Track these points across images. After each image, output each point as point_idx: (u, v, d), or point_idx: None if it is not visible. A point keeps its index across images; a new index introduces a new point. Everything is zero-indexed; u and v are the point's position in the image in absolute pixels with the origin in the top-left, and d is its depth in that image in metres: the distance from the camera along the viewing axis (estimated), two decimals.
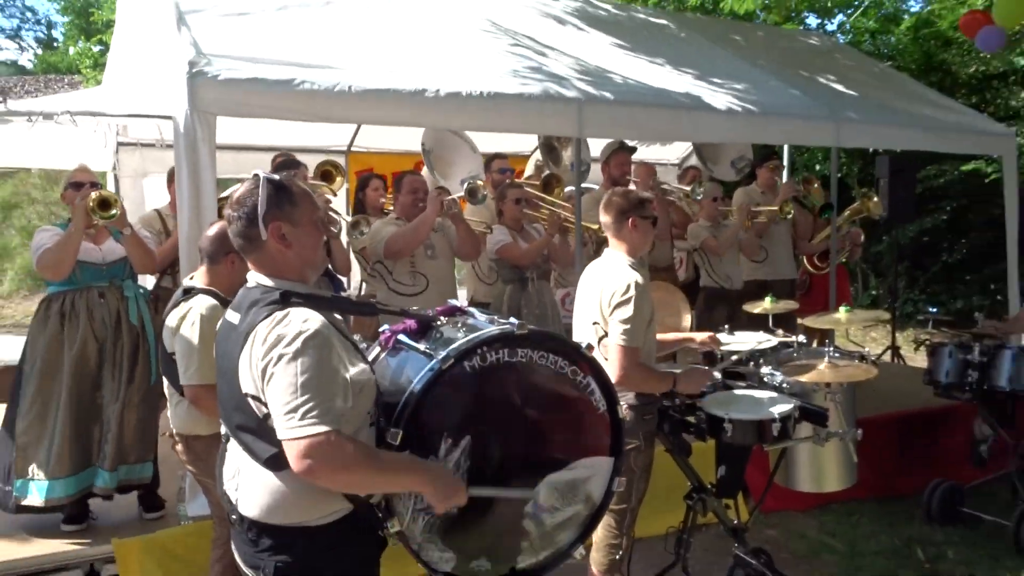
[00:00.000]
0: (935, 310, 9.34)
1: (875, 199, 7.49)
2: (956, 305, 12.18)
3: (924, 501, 5.14)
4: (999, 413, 5.14)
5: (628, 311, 3.18)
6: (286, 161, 4.97)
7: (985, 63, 12.64)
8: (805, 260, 7.41)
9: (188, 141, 3.97)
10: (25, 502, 3.99)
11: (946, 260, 12.58)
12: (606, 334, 3.27)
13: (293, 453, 1.88)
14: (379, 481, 2.03)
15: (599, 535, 3.39)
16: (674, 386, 3.32)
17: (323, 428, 1.87)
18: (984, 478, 5.18)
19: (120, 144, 6.95)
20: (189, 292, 3.24)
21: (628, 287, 3.20)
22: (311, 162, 5.96)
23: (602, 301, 3.28)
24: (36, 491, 3.99)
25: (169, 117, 4.27)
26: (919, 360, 8.09)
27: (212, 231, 3.28)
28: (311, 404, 1.88)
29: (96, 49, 18.77)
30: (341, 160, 7.87)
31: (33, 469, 3.99)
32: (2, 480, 4.07)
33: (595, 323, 3.32)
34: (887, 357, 8.40)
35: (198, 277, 3.29)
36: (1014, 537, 4.65)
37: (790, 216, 6.51)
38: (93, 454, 4.11)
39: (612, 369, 3.15)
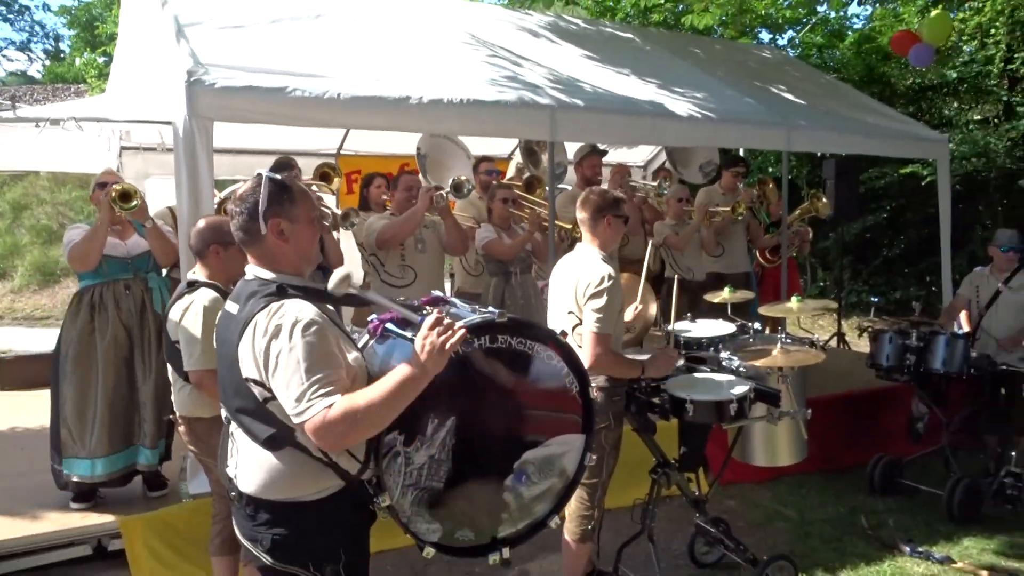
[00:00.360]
0: (877, 300, 9.46)
1: (823, 200, 7.56)
2: (895, 295, 12.32)
3: (867, 474, 5.20)
4: (934, 393, 5.21)
5: (601, 301, 3.19)
6: (282, 162, 4.95)
7: (921, 76, 12.79)
8: (758, 254, 7.47)
9: (187, 145, 3.93)
10: (75, 479, 4.05)
11: (886, 255, 12.72)
12: (580, 322, 3.28)
13: (315, 433, 1.88)
14: (388, 415, 1.94)
15: (573, 507, 3.40)
16: (643, 372, 3.33)
17: (321, 407, 1.86)
18: (920, 452, 5.25)
19: (123, 148, 6.84)
20: (192, 285, 3.22)
21: (602, 279, 3.21)
22: (306, 164, 5.94)
23: (577, 291, 3.28)
24: (83, 469, 4.05)
25: (169, 123, 4.21)
26: (862, 345, 8.21)
27: (193, 229, 3.29)
28: (316, 384, 1.88)
29: (100, 60, 18.48)
30: (331, 162, 7.84)
31: (78, 449, 4.05)
32: (55, 460, 4.13)
33: (570, 312, 3.33)
34: (834, 343, 8.48)
35: (198, 271, 3.27)
36: (947, 505, 4.72)
37: (741, 217, 6.55)
38: (135, 434, 4.14)
39: (585, 354, 3.15)
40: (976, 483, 4.79)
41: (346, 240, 5.42)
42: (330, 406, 1.87)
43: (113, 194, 3.97)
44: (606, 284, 3.20)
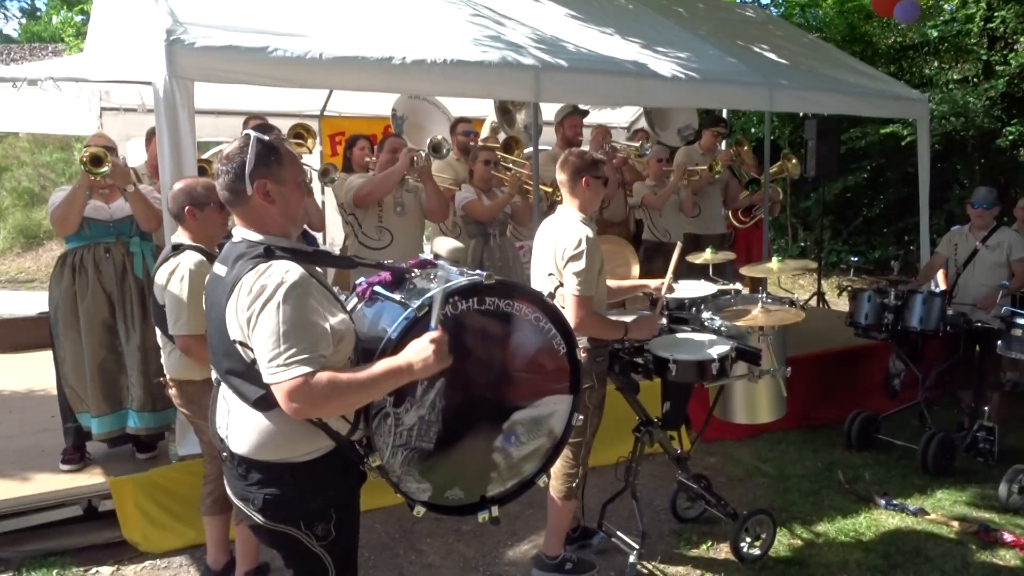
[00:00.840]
0: (856, 259, 9.54)
1: (793, 161, 7.60)
2: (875, 255, 12.43)
3: (844, 430, 5.29)
4: (910, 350, 5.29)
5: (580, 264, 3.19)
6: (260, 126, 4.85)
7: (902, 35, 12.73)
8: (731, 215, 7.49)
9: (168, 106, 3.85)
10: (93, 432, 4.12)
11: (866, 215, 12.79)
12: (561, 284, 3.28)
13: (280, 396, 1.89)
14: (365, 397, 1.99)
15: (558, 466, 3.43)
16: (626, 333, 3.34)
17: (303, 370, 1.87)
18: (897, 408, 5.35)
19: (103, 109, 6.70)
20: (177, 248, 3.19)
21: (580, 241, 3.20)
22: (283, 125, 5.87)
23: (556, 254, 3.27)
24: (90, 424, 4.10)
25: (149, 83, 4.12)
26: (842, 304, 8.30)
27: (169, 193, 3.26)
28: (292, 350, 1.87)
29: (78, 19, 17.94)
30: (314, 124, 7.74)
31: (82, 404, 4.10)
32: (68, 419, 4.16)
33: (550, 274, 3.32)
34: (814, 302, 8.56)
35: (181, 234, 3.23)
36: (921, 459, 4.82)
37: (719, 176, 6.53)
38: (124, 398, 4.14)
39: (569, 317, 3.16)
40: (950, 437, 4.89)
41: (330, 203, 5.37)
42: (306, 374, 1.86)
43: (84, 158, 3.89)
44: (584, 246, 3.19)
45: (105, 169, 3.90)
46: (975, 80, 12.22)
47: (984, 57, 12.19)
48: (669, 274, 3.58)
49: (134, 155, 6.14)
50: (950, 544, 3.96)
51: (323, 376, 1.88)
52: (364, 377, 1.94)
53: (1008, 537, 3.96)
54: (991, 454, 4.89)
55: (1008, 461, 4.63)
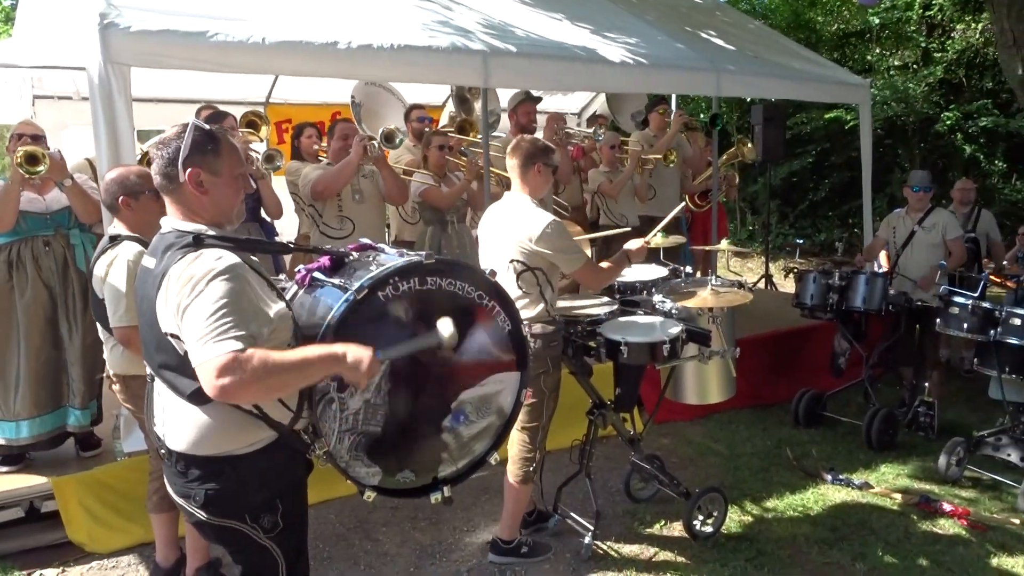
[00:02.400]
0: (802, 242, 9.74)
1: (749, 145, 7.72)
2: (820, 237, 12.70)
3: (792, 408, 5.40)
4: (854, 330, 5.43)
5: (563, 241, 3.26)
6: (214, 114, 4.73)
7: (845, 22, 13.00)
8: (687, 199, 7.58)
9: (103, 93, 3.72)
10: (1, 442, 3.90)
11: (812, 198, 13.06)
12: (527, 268, 3.27)
13: (206, 378, 1.78)
14: (295, 380, 1.90)
15: (515, 450, 3.44)
16: (628, 260, 3.51)
17: (233, 346, 1.77)
18: (842, 386, 5.48)
19: (36, 97, 6.46)
20: (115, 239, 3.09)
21: (548, 224, 3.24)
22: (234, 113, 5.74)
23: (525, 240, 3.26)
24: (7, 432, 3.89)
25: (83, 69, 3.97)
26: (789, 286, 8.45)
27: (102, 183, 3.16)
28: (219, 328, 1.78)
29: (7, 3, 17.28)
30: (259, 111, 7.58)
31: (2, 412, 3.88)
32: None
33: (512, 260, 3.30)
34: (762, 285, 8.70)
35: (118, 225, 3.13)
36: (865, 435, 4.95)
37: (673, 164, 6.60)
38: (63, 395, 3.99)
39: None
40: (892, 413, 5.03)
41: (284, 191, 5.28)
42: (235, 350, 1.76)
43: (18, 159, 3.69)
44: (554, 227, 3.25)
45: (41, 169, 3.71)
46: (915, 66, 12.54)
47: (923, 44, 12.52)
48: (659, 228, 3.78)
49: (70, 145, 5.94)
50: (893, 515, 4.08)
51: (253, 353, 1.78)
52: (296, 359, 1.85)
53: (947, 507, 4.09)
54: (931, 428, 5.06)
55: (947, 435, 4.78)
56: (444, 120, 7.29)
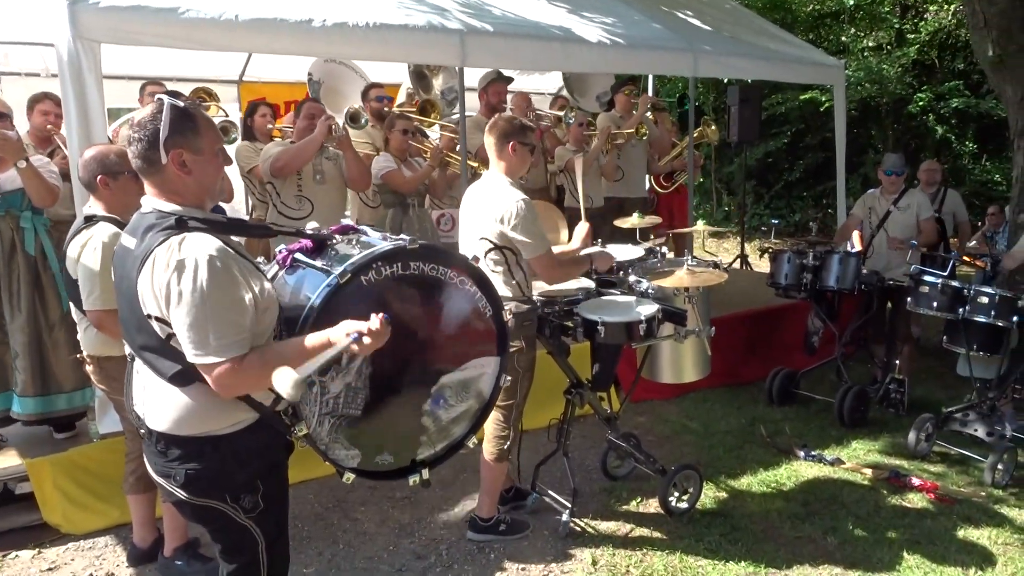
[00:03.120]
0: (777, 222, 9.82)
1: (712, 127, 7.77)
2: (795, 218, 12.82)
3: (766, 386, 5.48)
4: (828, 309, 5.51)
5: (529, 227, 3.24)
6: (164, 92, 4.65)
7: (820, 3, 13.04)
8: (652, 180, 7.60)
9: (72, 70, 3.65)
10: None
11: (787, 179, 13.16)
12: (495, 247, 3.28)
13: (209, 379, 1.86)
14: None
15: (490, 428, 3.47)
16: (591, 264, 3.51)
17: (231, 354, 1.84)
18: (815, 364, 5.56)
19: (2, 74, 6.31)
20: (90, 220, 3.04)
21: (517, 205, 3.23)
22: (187, 91, 5.66)
23: (493, 221, 3.26)
24: None
25: (51, 45, 3.89)
26: (764, 266, 8.53)
27: (80, 161, 3.09)
28: (220, 333, 1.82)
29: None
30: (233, 90, 7.48)
31: None
32: None
33: (482, 238, 3.31)
34: (737, 265, 8.78)
35: (94, 205, 3.08)
36: (837, 412, 5.04)
37: (646, 137, 6.61)
38: (8, 379, 3.92)
39: (542, 277, 3.39)
40: (864, 390, 5.13)
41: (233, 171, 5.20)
42: (234, 358, 1.83)
43: None
44: (523, 209, 3.23)
45: None
46: (888, 47, 12.63)
47: (896, 25, 12.60)
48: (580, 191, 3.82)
49: None
50: (864, 490, 4.17)
51: (252, 357, 1.86)
52: (291, 352, 1.90)
53: (916, 481, 4.19)
54: (901, 404, 5.16)
55: (917, 411, 4.88)
56: (402, 97, 7.17)
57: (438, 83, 6.52)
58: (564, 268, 3.47)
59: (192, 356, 1.85)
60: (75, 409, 4.03)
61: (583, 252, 3.60)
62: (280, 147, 4.77)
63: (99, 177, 2.99)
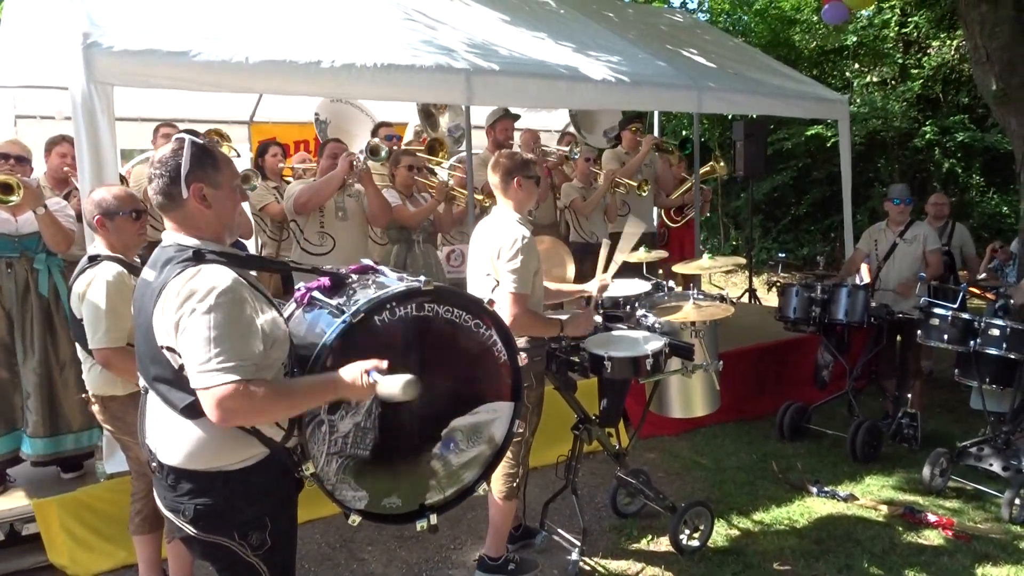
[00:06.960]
0: (784, 256, 9.82)
1: (721, 162, 7.85)
2: (802, 251, 12.82)
3: (777, 421, 5.43)
4: (837, 342, 5.48)
5: (516, 263, 3.19)
6: (188, 131, 4.73)
7: (823, 40, 13.20)
8: (663, 215, 7.64)
9: (86, 112, 3.72)
10: None
11: (794, 213, 13.19)
12: (498, 284, 3.29)
13: (207, 403, 1.84)
14: (294, 410, 1.99)
15: (499, 466, 3.43)
16: (562, 330, 3.36)
17: (233, 378, 1.82)
18: (826, 399, 5.52)
19: (18, 117, 6.43)
20: (95, 259, 3.08)
21: (515, 240, 3.21)
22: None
23: (493, 255, 3.28)
24: None
25: (66, 88, 3.97)
26: (772, 300, 8.52)
27: (83, 205, 3.13)
28: (222, 356, 1.83)
29: None
30: (244, 130, 7.59)
31: None
32: None
33: (488, 275, 3.33)
34: (745, 299, 8.77)
35: (99, 244, 3.12)
36: (850, 447, 4.98)
37: (646, 194, 6.65)
38: (17, 420, 3.93)
39: (504, 314, 3.15)
40: (876, 425, 5.07)
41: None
42: (235, 382, 1.82)
43: None
44: (519, 245, 3.20)
45: (15, 198, 3.68)
46: (892, 82, 12.74)
47: (900, 60, 12.72)
48: (599, 272, 3.63)
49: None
50: (878, 527, 4.10)
51: (257, 383, 1.85)
52: (295, 388, 1.93)
53: (932, 518, 4.12)
54: (915, 439, 5.10)
55: (930, 445, 4.82)
56: (409, 135, 7.26)
57: (444, 121, 6.61)
58: (532, 320, 3.24)
59: (195, 378, 1.84)
60: (83, 449, 4.04)
61: (560, 316, 3.49)
62: (303, 184, 4.85)
63: (96, 218, 3.03)
